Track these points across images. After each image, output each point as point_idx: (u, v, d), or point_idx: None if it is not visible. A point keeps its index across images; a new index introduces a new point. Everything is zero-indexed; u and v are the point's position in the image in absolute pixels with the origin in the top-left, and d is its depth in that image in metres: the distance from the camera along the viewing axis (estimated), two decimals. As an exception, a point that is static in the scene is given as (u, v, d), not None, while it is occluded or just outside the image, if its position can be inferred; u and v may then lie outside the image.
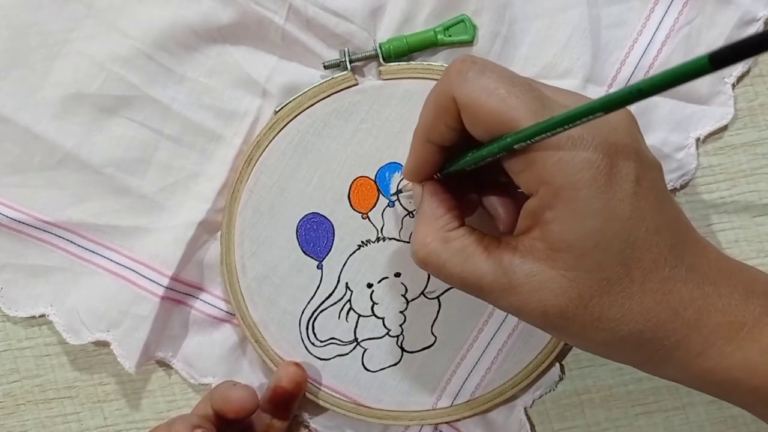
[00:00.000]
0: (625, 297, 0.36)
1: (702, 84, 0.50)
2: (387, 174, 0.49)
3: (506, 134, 0.35)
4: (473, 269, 0.37)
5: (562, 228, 0.35)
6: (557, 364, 0.50)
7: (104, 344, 0.50)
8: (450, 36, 0.49)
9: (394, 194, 0.49)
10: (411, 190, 0.42)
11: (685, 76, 0.27)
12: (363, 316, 0.49)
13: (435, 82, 0.44)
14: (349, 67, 0.49)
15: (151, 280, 0.49)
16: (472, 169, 0.39)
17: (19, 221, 0.49)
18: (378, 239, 0.49)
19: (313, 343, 0.49)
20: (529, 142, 0.34)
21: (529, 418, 0.51)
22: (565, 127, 0.32)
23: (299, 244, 0.49)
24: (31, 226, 0.49)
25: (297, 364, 0.48)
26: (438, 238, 0.38)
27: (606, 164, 0.34)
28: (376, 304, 0.49)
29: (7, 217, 0.49)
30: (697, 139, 0.50)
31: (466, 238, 0.38)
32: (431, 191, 0.40)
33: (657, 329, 0.36)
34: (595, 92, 0.49)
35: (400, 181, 0.48)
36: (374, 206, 0.49)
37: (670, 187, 0.50)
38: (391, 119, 0.48)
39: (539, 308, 0.36)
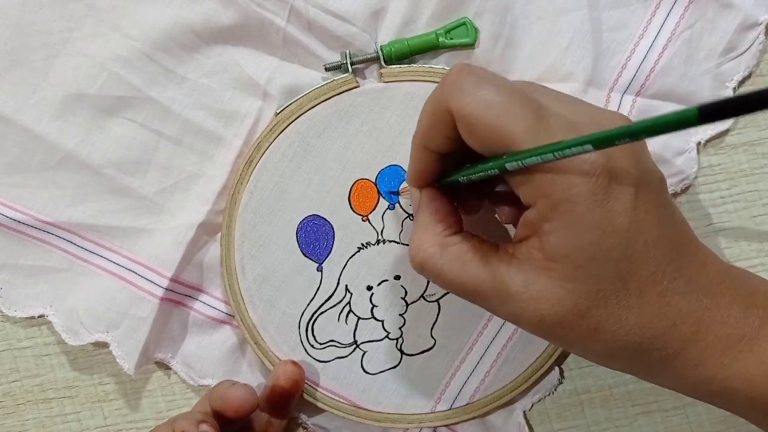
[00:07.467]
0: (622, 309, 0.36)
1: (703, 88, 0.50)
2: (387, 176, 0.49)
3: (502, 154, 0.35)
4: (470, 276, 0.37)
5: (559, 240, 0.35)
6: (556, 368, 0.50)
7: (104, 344, 0.50)
8: (451, 39, 0.49)
9: (394, 193, 0.49)
10: (410, 193, 0.42)
11: (674, 124, 0.28)
12: (362, 318, 0.49)
13: (436, 85, 0.43)
14: (350, 69, 0.48)
15: (150, 281, 0.49)
16: (467, 183, 0.39)
17: (19, 221, 0.49)
18: (378, 242, 0.49)
19: (312, 345, 0.49)
20: (522, 164, 0.34)
21: (528, 422, 0.51)
22: (556, 155, 0.33)
23: (299, 246, 0.49)
24: (31, 226, 0.49)
25: (294, 363, 0.48)
26: (435, 243, 0.38)
27: (604, 179, 0.34)
28: (376, 306, 0.49)
29: (7, 217, 0.49)
30: (698, 144, 0.50)
31: (464, 245, 0.38)
32: (429, 197, 0.40)
33: (654, 341, 0.36)
34: (596, 95, 0.49)
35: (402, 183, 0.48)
36: (374, 209, 0.49)
37: (670, 191, 0.50)
38: (392, 122, 0.48)
39: (536, 317, 0.36)
